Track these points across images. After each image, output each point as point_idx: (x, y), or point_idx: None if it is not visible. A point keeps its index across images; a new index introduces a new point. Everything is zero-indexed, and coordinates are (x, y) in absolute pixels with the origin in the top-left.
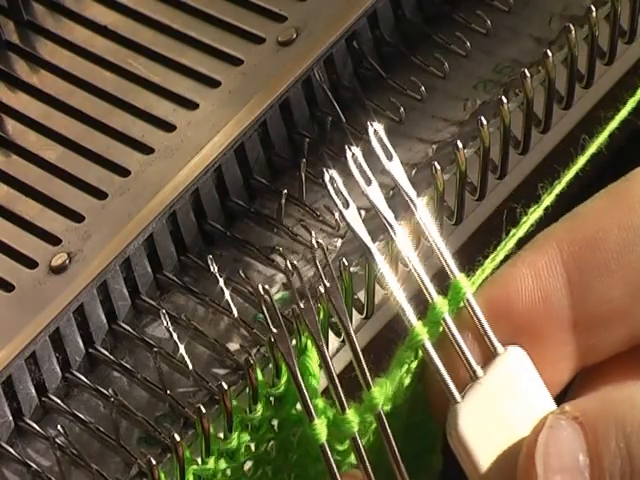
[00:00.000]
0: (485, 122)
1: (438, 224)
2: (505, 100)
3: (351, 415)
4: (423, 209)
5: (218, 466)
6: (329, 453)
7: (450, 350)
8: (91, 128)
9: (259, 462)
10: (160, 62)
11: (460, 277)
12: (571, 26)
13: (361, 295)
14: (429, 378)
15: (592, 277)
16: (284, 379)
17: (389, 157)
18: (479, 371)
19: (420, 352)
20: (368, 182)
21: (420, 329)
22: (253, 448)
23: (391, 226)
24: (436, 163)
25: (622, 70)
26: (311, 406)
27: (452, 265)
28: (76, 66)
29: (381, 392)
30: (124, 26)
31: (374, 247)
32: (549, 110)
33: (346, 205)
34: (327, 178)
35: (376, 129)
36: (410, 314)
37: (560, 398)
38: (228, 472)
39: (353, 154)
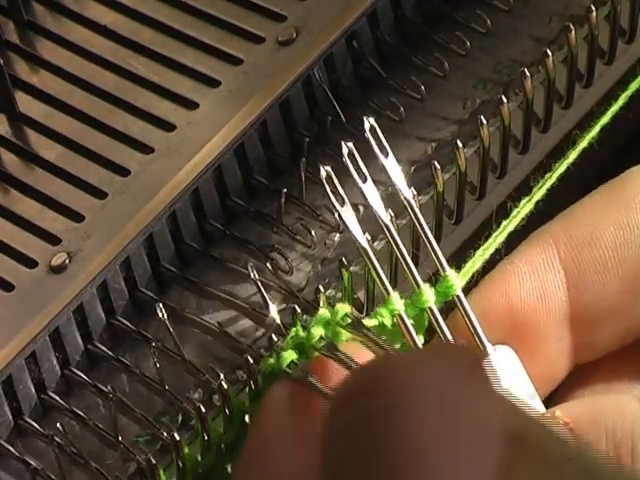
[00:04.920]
0: (485, 121)
1: (432, 223)
2: (505, 100)
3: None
4: (417, 208)
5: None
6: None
7: None
8: (91, 128)
9: None
10: (160, 62)
11: (450, 273)
12: (571, 26)
13: (361, 295)
14: None
15: (589, 274)
16: None
17: (385, 154)
18: None
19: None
20: (364, 179)
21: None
22: None
23: (386, 225)
24: (436, 162)
25: (622, 70)
26: None
27: (443, 261)
28: (76, 66)
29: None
30: (124, 26)
31: (368, 246)
32: (549, 110)
33: (342, 203)
34: (323, 174)
35: (372, 124)
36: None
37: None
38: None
39: (349, 150)
